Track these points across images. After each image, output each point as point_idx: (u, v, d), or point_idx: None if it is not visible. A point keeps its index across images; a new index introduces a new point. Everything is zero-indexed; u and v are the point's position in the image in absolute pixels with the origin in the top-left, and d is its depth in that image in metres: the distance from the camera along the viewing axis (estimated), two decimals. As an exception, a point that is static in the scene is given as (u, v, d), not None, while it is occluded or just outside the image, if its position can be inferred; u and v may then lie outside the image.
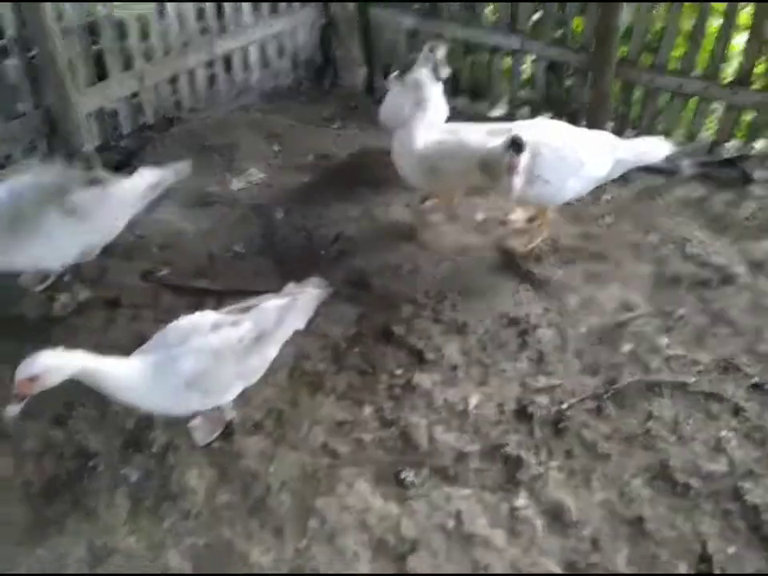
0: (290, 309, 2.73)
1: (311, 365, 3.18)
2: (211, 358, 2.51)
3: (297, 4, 5.86)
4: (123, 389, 2.40)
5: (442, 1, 5.45)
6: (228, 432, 2.84)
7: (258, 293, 3.48)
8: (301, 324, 2.81)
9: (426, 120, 3.86)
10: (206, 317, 2.65)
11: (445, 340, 3.29)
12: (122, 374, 2.39)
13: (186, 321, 2.63)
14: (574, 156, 3.55)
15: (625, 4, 4.63)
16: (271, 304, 2.72)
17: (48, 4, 4.13)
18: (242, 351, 2.58)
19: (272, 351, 2.73)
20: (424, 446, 2.80)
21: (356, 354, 3.23)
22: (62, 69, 4.28)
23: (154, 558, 2.41)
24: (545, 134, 3.59)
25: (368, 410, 2.97)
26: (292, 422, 2.92)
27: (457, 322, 3.40)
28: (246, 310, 2.69)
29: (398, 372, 3.14)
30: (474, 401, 2.99)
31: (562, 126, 3.75)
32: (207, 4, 5.21)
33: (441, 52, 4.28)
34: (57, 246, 3.19)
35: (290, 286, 2.87)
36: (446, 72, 4.32)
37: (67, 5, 4.35)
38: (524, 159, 3.29)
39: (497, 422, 2.92)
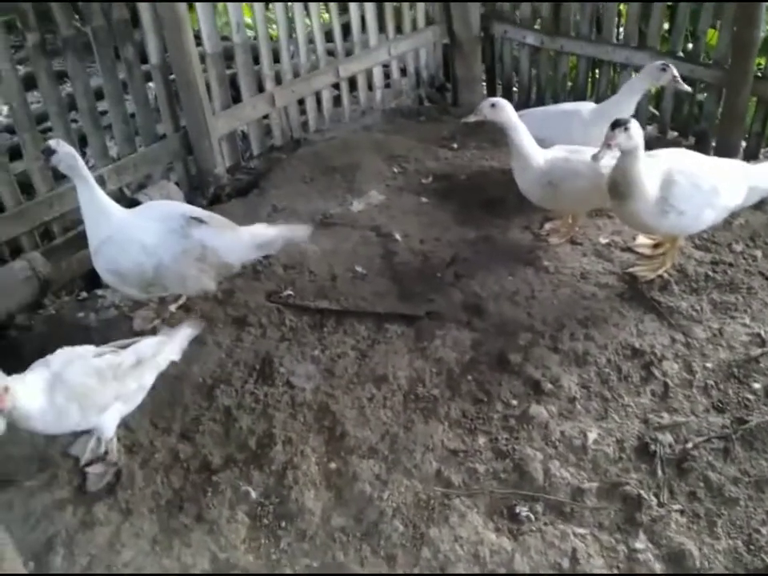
0: (166, 342, 2.99)
1: (425, 390, 3.20)
2: (93, 374, 2.71)
3: (421, 24, 5.94)
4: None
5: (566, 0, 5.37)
6: (117, 479, 2.88)
7: (376, 314, 3.61)
8: (176, 356, 3.03)
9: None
10: (88, 349, 2.85)
11: (563, 370, 3.23)
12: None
13: (69, 349, 2.83)
14: (710, 185, 3.41)
15: (763, 15, 4.41)
16: (149, 340, 2.97)
17: (189, 32, 4.38)
18: (121, 374, 2.77)
19: (148, 377, 2.92)
20: (539, 481, 2.76)
21: (470, 381, 3.23)
22: (199, 93, 4.53)
23: (270, 578, 2.50)
24: (679, 161, 3.47)
25: (482, 440, 2.95)
26: (406, 447, 2.94)
27: (576, 351, 3.33)
28: (125, 346, 2.90)
29: (514, 402, 3.11)
30: (592, 436, 2.92)
31: (694, 155, 3.61)
32: (334, 27, 5.38)
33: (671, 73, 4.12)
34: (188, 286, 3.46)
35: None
36: (686, 87, 4.19)
37: (204, 32, 4.60)
38: (621, 136, 3.19)
39: (616, 459, 2.84)
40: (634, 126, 3.21)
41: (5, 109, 6.20)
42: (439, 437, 2.97)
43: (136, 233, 3.29)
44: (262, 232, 3.50)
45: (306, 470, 2.86)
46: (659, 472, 2.76)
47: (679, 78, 4.11)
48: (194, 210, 3.50)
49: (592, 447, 2.87)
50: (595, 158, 3.31)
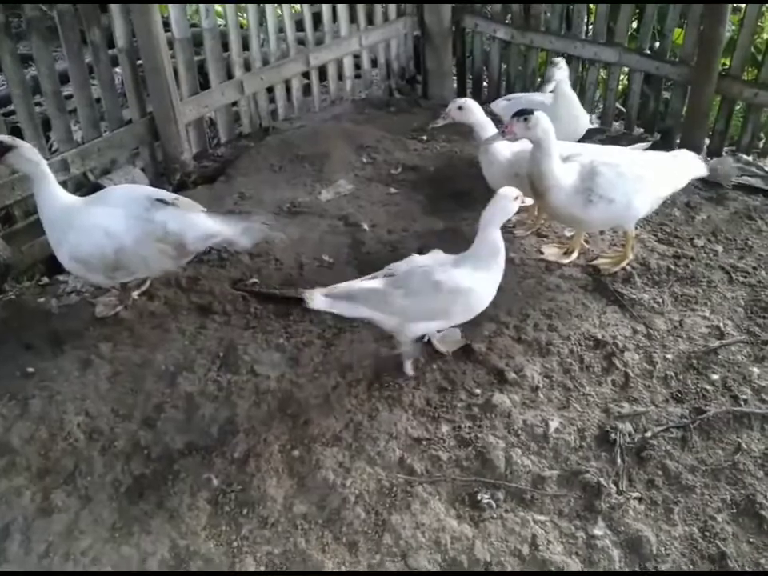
0: None
1: (390, 378, 3.20)
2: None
3: (393, 15, 5.94)
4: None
5: (537, 2, 5.41)
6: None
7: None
8: None
9: None
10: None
11: (527, 360, 3.26)
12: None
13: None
14: (634, 173, 3.50)
15: (729, 15, 4.49)
16: None
17: (158, 16, 4.32)
18: None
19: None
20: (501, 468, 2.78)
21: (435, 369, 3.23)
22: (167, 78, 4.48)
23: (231, 565, 2.48)
24: (602, 154, 3.57)
25: (445, 428, 2.97)
26: (370, 434, 2.94)
27: (540, 341, 3.36)
28: None
29: (477, 391, 3.12)
30: (554, 424, 2.95)
31: (617, 149, 3.76)
32: (305, 16, 5.35)
33: (559, 71, 4.24)
34: (151, 267, 3.42)
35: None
36: (549, 87, 4.26)
37: (173, 17, 4.55)
38: (517, 126, 3.37)
39: (577, 447, 2.87)
40: (536, 119, 3.32)
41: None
42: (403, 425, 2.98)
43: (98, 218, 3.25)
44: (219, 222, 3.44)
45: (269, 458, 2.85)
46: (618, 460, 2.80)
47: (552, 76, 4.23)
48: (158, 192, 3.46)
49: (553, 436, 2.90)
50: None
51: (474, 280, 2.98)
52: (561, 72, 4.24)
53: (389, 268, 3.10)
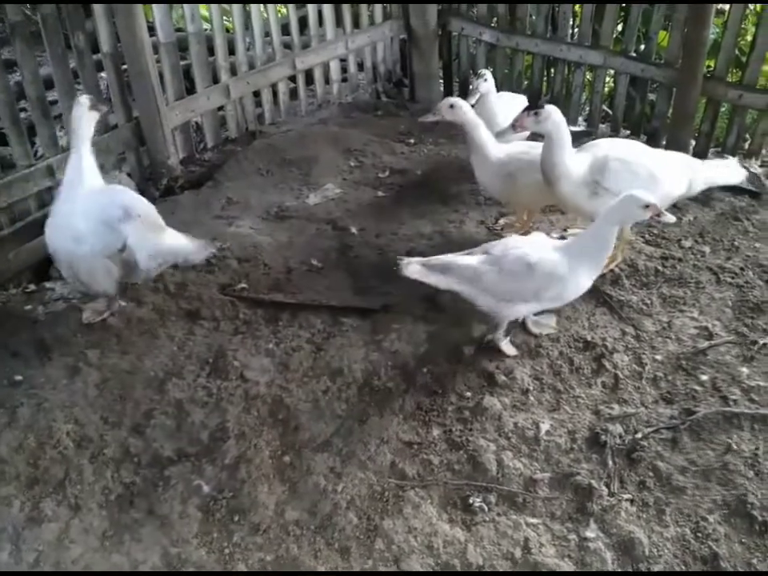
0: None
1: (381, 382, 3.20)
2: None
3: (379, 19, 5.94)
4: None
5: (522, 2, 5.42)
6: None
7: (332, 307, 3.59)
8: None
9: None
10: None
11: (516, 363, 3.26)
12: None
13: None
14: (647, 172, 3.50)
15: (713, 17, 4.52)
16: None
17: (142, 20, 4.30)
18: None
19: None
20: (492, 472, 2.78)
21: (425, 373, 3.23)
22: (152, 83, 4.46)
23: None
24: (617, 149, 3.57)
25: (436, 432, 2.96)
26: (360, 439, 2.93)
27: (529, 344, 3.36)
28: None
29: (468, 394, 3.12)
30: (545, 427, 2.95)
31: (637, 145, 3.74)
32: (291, 20, 5.34)
33: (483, 83, 4.36)
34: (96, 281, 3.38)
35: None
36: (472, 100, 4.27)
37: (158, 22, 4.53)
38: (527, 120, 3.44)
39: (568, 449, 2.87)
40: (547, 113, 3.39)
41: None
42: (394, 429, 2.97)
43: (73, 220, 3.23)
44: (176, 240, 3.37)
45: (260, 464, 2.84)
46: (610, 462, 2.80)
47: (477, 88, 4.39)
48: (132, 203, 3.34)
49: (544, 438, 2.90)
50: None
51: (569, 268, 3.02)
52: (486, 85, 4.36)
53: (486, 246, 3.15)
